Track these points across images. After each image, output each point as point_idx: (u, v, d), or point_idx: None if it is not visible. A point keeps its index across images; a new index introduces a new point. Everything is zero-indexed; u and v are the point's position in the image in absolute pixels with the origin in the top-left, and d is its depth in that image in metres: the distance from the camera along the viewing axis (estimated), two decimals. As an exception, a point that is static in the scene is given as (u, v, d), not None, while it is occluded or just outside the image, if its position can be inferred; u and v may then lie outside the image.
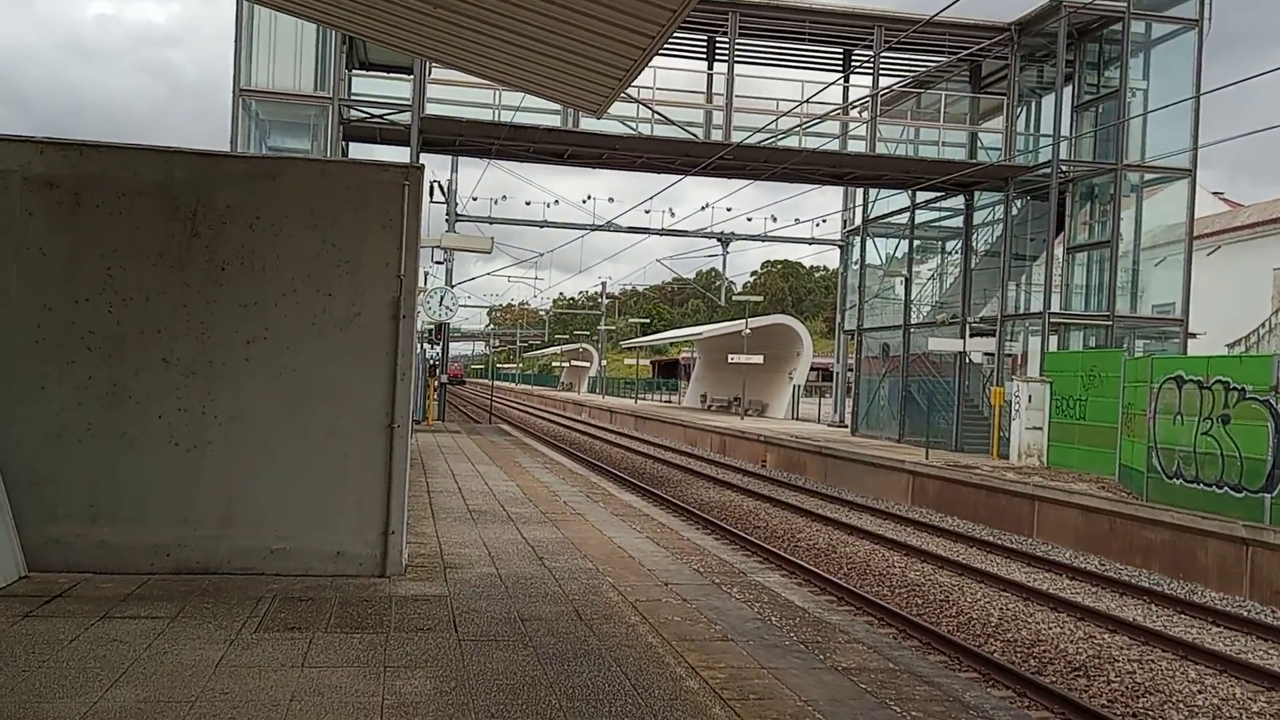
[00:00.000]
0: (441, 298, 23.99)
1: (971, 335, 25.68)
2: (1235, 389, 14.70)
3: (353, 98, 21.73)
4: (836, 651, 5.94)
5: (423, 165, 7.87)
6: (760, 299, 45.49)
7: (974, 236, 26.95)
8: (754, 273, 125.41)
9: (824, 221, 37.56)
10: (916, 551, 15.15)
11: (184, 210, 7.45)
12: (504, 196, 35.14)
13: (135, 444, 7.39)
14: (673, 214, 35.05)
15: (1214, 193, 39.83)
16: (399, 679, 5.07)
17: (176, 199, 7.44)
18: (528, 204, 34.42)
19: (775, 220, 41.55)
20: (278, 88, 21.37)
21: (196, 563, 7.37)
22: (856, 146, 24.24)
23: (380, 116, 21.76)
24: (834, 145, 23.97)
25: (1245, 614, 11.79)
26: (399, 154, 22.76)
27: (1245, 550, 12.89)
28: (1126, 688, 9.00)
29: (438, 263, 28.86)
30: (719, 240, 36.52)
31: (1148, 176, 23.67)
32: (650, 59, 7.14)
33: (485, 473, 15.75)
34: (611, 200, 52.20)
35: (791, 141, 23.49)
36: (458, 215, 32.05)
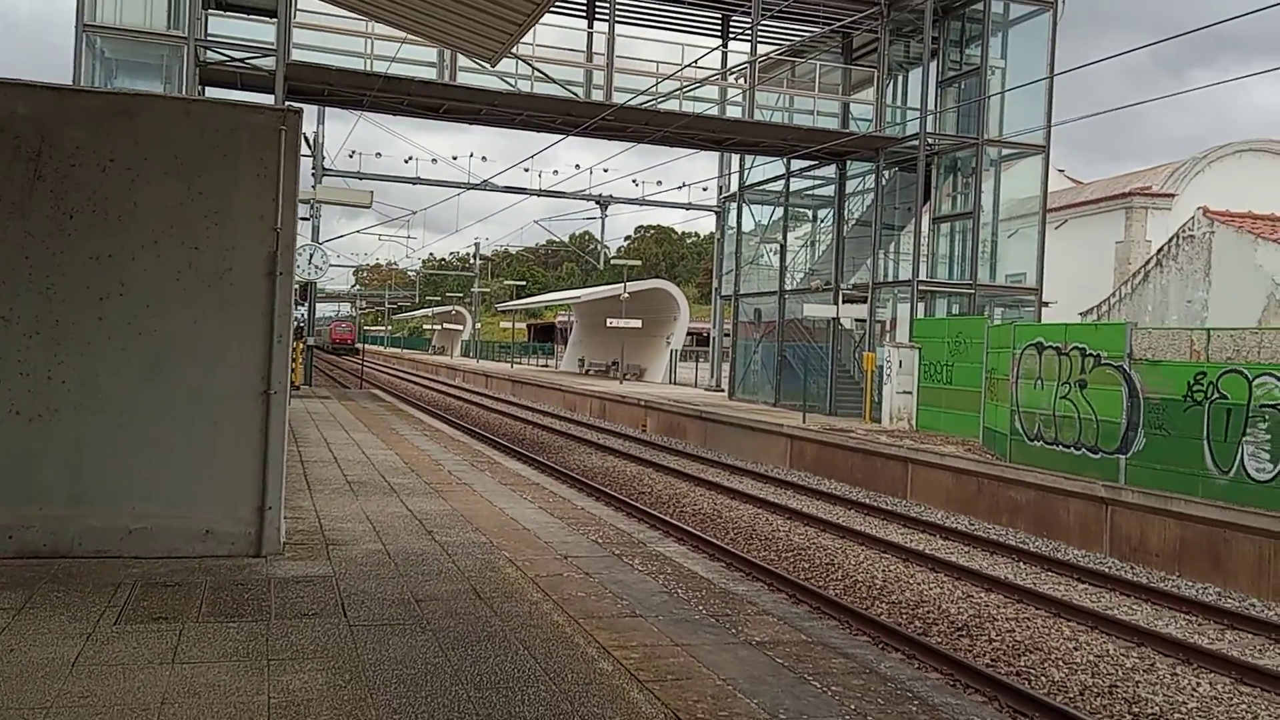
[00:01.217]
0: (311, 255, 22.75)
1: (844, 302, 26.26)
2: (1091, 355, 15.47)
3: (210, 38, 20.15)
4: (748, 625, 5.80)
5: (301, 109, 7.21)
6: (639, 263, 45.37)
7: (845, 205, 27.49)
8: (628, 238, 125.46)
9: (704, 190, 37.62)
10: (799, 515, 15.38)
11: (26, 150, 6.58)
12: (378, 154, 33.62)
13: (-33, 413, 6.54)
14: (555, 173, 34.32)
15: (1057, 169, 42.00)
16: (285, 674, 4.62)
17: (18, 137, 6.56)
18: (407, 161, 32.94)
19: (661, 184, 41.38)
20: (126, 24, 19.61)
21: (43, 545, 6.61)
22: (734, 114, 24.23)
23: (241, 60, 20.29)
24: (713, 111, 23.89)
25: (1107, 570, 12.43)
26: (262, 102, 21.28)
27: (1105, 509, 13.60)
28: (1008, 646, 9.31)
29: (304, 218, 27.38)
30: (597, 202, 36.12)
31: (1005, 151, 24.61)
32: (549, 6, 6.70)
33: (361, 441, 15.04)
34: (485, 159, 50.98)
35: (672, 105, 23.27)
36: (325, 170, 30.49)
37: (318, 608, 5.73)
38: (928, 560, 12.56)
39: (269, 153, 7.03)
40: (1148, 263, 24.26)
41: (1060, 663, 8.98)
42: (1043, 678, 8.67)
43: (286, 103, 19.90)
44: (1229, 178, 29.30)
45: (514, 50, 20.05)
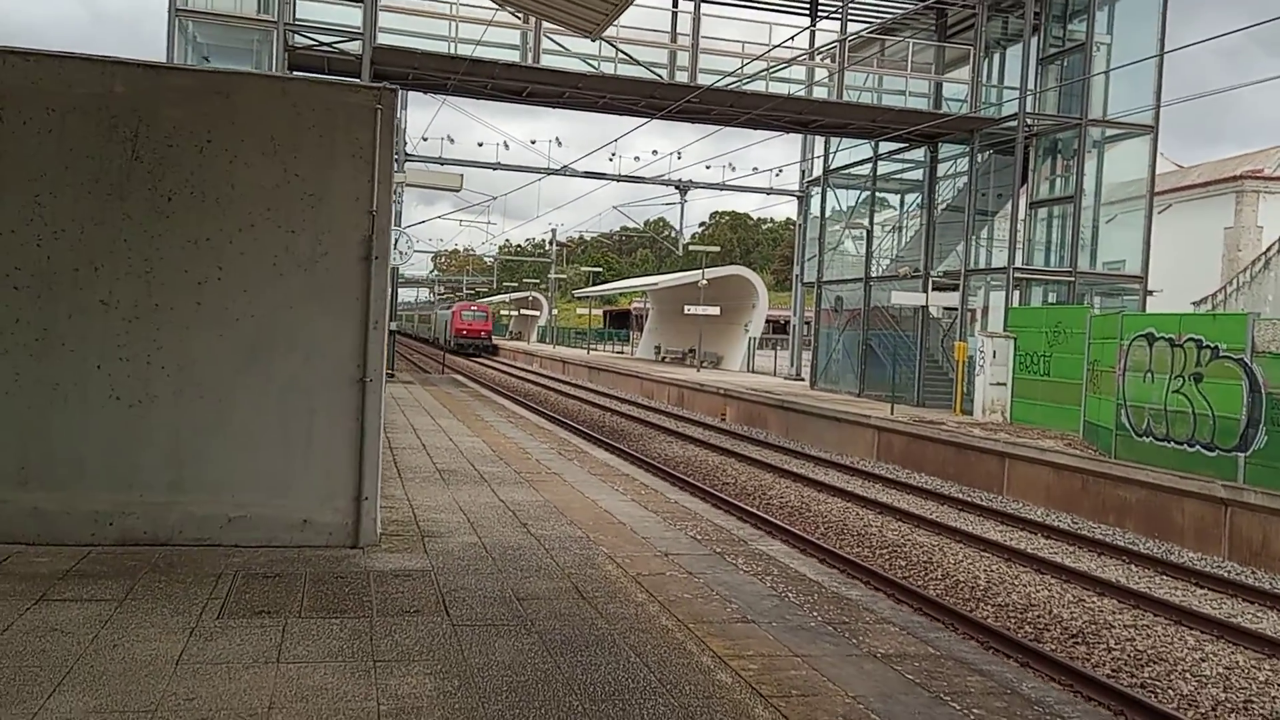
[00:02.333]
0: (395, 240, 22.85)
1: (933, 289, 25.42)
2: (1208, 347, 14.54)
3: (298, 22, 20.30)
4: (868, 634, 5.42)
5: (396, 88, 7.01)
6: (717, 249, 44.82)
7: (936, 189, 26.58)
8: (702, 224, 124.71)
9: (780, 171, 36.89)
10: (890, 509, 14.85)
11: (124, 130, 6.50)
12: (449, 138, 33.71)
13: (69, 398, 6.52)
14: (636, 159, 34.01)
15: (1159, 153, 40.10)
16: (392, 677, 4.40)
17: (115, 117, 6.48)
18: (480, 145, 32.99)
19: (734, 169, 40.79)
20: (218, 9, 19.85)
21: (144, 533, 6.57)
22: (820, 95, 23.56)
23: (328, 44, 20.39)
24: (799, 92, 23.26)
25: (1226, 575, 11.67)
26: (356, 81, 21.38)
27: (1224, 510, 12.78)
28: (1129, 656, 8.73)
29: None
30: (677, 187, 35.70)
31: (1110, 132, 23.44)
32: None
33: (448, 427, 14.98)
34: (559, 144, 50.85)
35: (757, 87, 22.71)
36: (407, 155, 30.68)
37: (419, 604, 5.53)
38: (1031, 560, 11.95)
39: (364, 133, 6.84)
40: (1269, 249, 22.84)
41: (1187, 675, 8.38)
42: (1170, 691, 8.09)
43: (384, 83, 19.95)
44: (1350, 159, 27.50)
45: (613, 25, 19.81)
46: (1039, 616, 9.87)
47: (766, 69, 22.38)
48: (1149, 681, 8.18)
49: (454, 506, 8.57)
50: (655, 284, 48.35)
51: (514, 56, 21.25)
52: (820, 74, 24.33)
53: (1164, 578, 11.66)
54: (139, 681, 4.19)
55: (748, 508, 14.25)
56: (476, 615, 5.38)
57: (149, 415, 6.61)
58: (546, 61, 21.21)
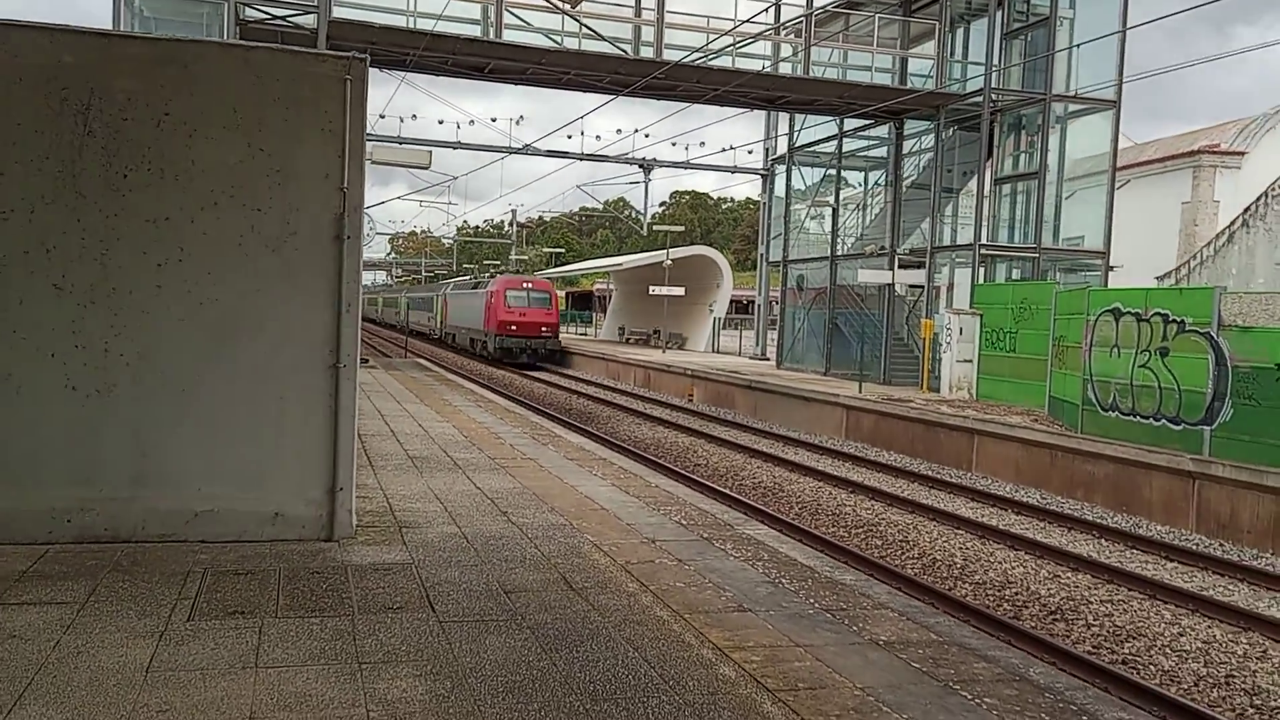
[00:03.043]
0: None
1: (899, 267, 25.45)
2: (1175, 321, 14.65)
3: (250, -4, 19.64)
4: (868, 621, 5.28)
5: (366, 57, 6.68)
6: (681, 229, 44.57)
7: (901, 166, 26.57)
8: (662, 203, 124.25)
9: (750, 153, 36.65)
10: (863, 488, 14.82)
11: (75, 103, 6.11)
12: (414, 116, 33.05)
13: (22, 389, 6.16)
14: (598, 138, 33.59)
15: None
16: (380, 680, 4.17)
17: (66, 89, 6.09)
18: (440, 123, 32.36)
19: (702, 146, 40.41)
20: (165, -20, 19.16)
21: (105, 530, 6.24)
22: (785, 71, 23.35)
23: (282, 18, 19.76)
24: (766, 68, 23.04)
25: (1195, 548, 11.78)
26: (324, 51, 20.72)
27: (1192, 484, 12.90)
28: (1108, 631, 8.74)
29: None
30: (641, 166, 35.33)
31: (1073, 108, 23.53)
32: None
33: (416, 413, 14.66)
34: (517, 122, 50.20)
35: (724, 62, 22.45)
36: (367, 135, 29.99)
37: (402, 600, 5.30)
38: (1005, 537, 11.97)
39: (333, 105, 6.52)
40: (1233, 223, 23.12)
41: (1167, 650, 8.40)
42: (1151, 666, 8.11)
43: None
44: (1304, 135, 27.96)
45: (553, 2, 19.38)
46: (1017, 593, 9.86)
47: (733, 44, 22.12)
48: (1130, 657, 8.19)
49: (430, 495, 8.32)
50: (620, 265, 48.01)
51: (475, 31, 20.78)
52: (786, 50, 24.12)
53: (1135, 551, 11.74)
54: (107, 692, 3.91)
55: (728, 491, 14.12)
56: (463, 610, 5.16)
57: (108, 405, 6.27)
58: (509, 37, 20.75)
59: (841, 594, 5.81)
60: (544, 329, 37.65)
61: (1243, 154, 28.57)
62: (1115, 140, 23.21)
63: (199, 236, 6.36)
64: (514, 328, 37.03)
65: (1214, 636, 8.72)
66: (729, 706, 4.04)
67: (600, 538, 6.90)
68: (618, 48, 21.57)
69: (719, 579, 5.97)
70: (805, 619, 5.26)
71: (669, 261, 36.58)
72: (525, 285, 39.03)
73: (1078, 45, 22.50)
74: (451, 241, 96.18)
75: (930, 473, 16.53)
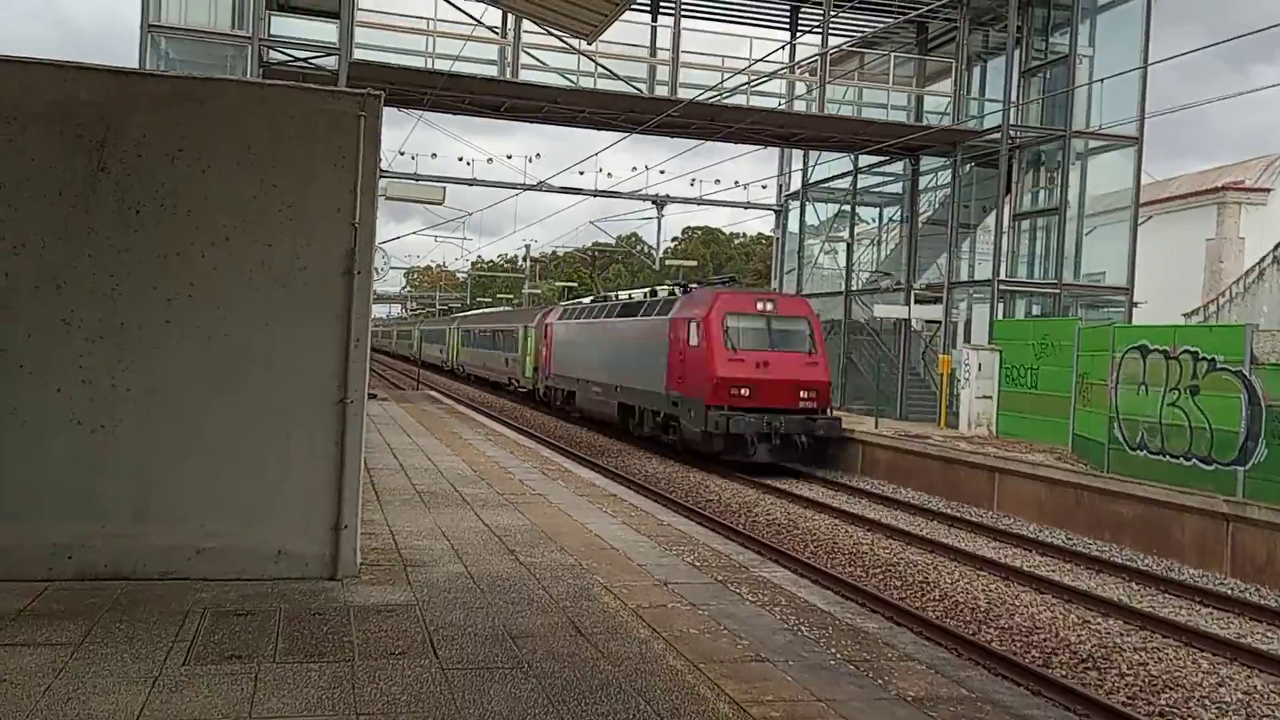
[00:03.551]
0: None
1: (915, 302, 25.28)
2: (1205, 359, 14.35)
3: (273, 38, 19.85)
4: (894, 674, 5.06)
5: (381, 93, 6.63)
6: (694, 263, 44.61)
7: (917, 202, 26.51)
8: (674, 238, 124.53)
9: (764, 188, 36.69)
10: (879, 526, 14.54)
11: (90, 139, 6.08)
12: (433, 154, 33.33)
13: (28, 423, 6.07)
14: (609, 175, 33.73)
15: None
16: (380, 731, 3.99)
17: (80, 125, 6.07)
18: (460, 160, 32.62)
19: (718, 183, 40.49)
20: (191, 24, 19.38)
21: (105, 566, 6.11)
22: (800, 108, 23.40)
23: (304, 60, 19.96)
24: (780, 105, 23.09)
25: (1230, 593, 11.42)
26: (338, 88, 20.94)
27: (1226, 526, 12.56)
28: (1143, 682, 8.42)
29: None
30: (654, 202, 35.42)
31: (1094, 144, 23.42)
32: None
33: (425, 446, 14.53)
34: (531, 159, 50.64)
35: (738, 100, 22.51)
36: (382, 171, 30.24)
37: (404, 645, 5.12)
38: (1029, 579, 11.66)
39: (347, 141, 6.46)
40: (1263, 260, 22.82)
41: (1206, 701, 8.08)
42: (1190, 719, 7.79)
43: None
44: (1328, 171, 27.71)
45: (570, 45, 19.47)
46: (1045, 639, 9.54)
47: (747, 83, 22.18)
48: (1167, 709, 7.88)
49: (436, 532, 8.15)
50: (632, 298, 47.95)
51: (492, 71, 20.93)
52: (800, 88, 24.17)
53: (1167, 596, 11.39)
54: (96, 744, 3.75)
55: (742, 530, 13.85)
56: (467, 657, 4.97)
57: (113, 441, 6.17)
58: (525, 76, 20.90)
59: (864, 643, 5.58)
60: (808, 393, 19.90)
61: (1269, 190, 28.33)
62: (1138, 176, 23.07)
63: (209, 271, 6.29)
64: (745, 393, 19.45)
65: (1255, 687, 8.38)
66: (745, 765, 3.84)
67: (610, 579, 6.71)
68: (633, 86, 21.68)
69: (734, 625, 5.76)
70: (827, 671, 5.04)
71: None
72: (762, 305, 20.50)
73: (1099, 80, 22.44)
74: (466, 275, 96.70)
75: (950, 511, 16.22)
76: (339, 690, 4.43)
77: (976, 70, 25.35)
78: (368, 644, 5.10)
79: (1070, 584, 11.41)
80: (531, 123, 24.21)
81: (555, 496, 10.42)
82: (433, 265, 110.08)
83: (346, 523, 6.45)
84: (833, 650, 5.38)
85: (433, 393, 32.86)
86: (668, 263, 43.60)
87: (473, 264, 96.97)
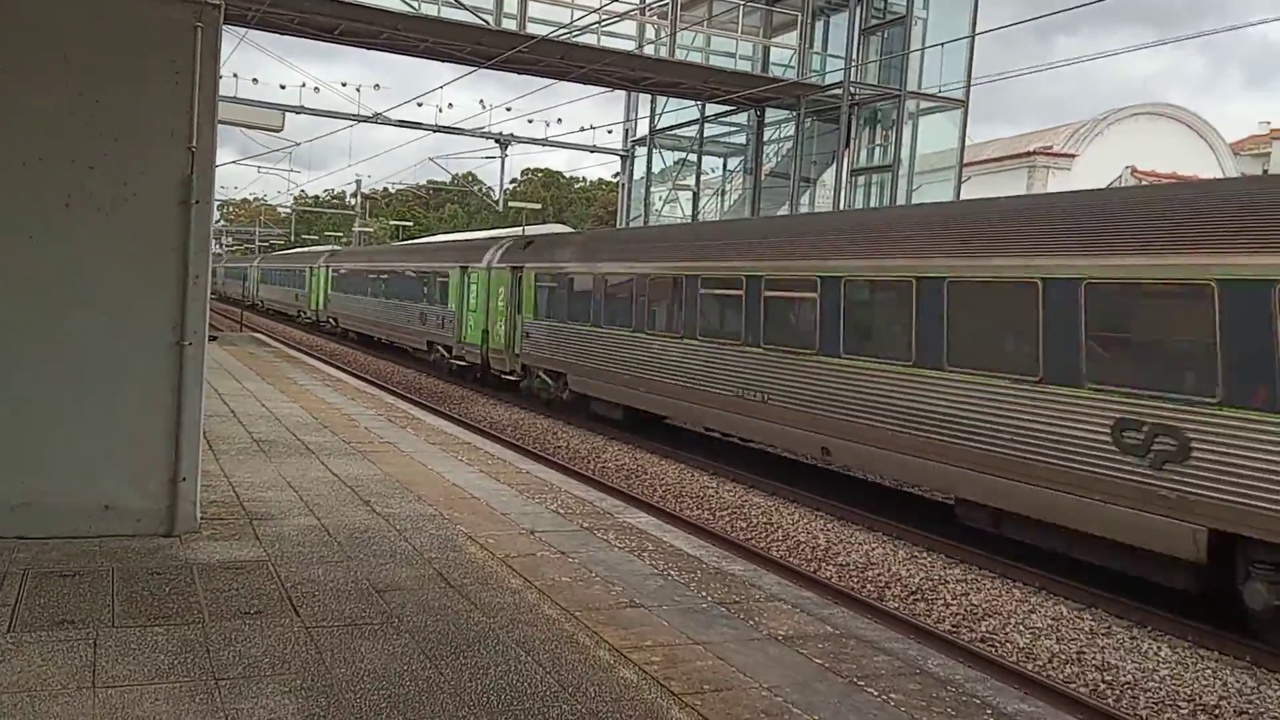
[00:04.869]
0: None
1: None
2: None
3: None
4: (763, 615, 5.16)
5: (220, 3, 6.00)
6: (538, 206, 43.94)
7: (762, 154, 26.99)
8: (514, 180, 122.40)
9: (609, 131, 36.45)
10: (723, 472, 14.89)
11: None
12: (254, 79, 31.12)
13: None
14: (450, 106, 32.52)
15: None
16: (243, 699, 3.70)
17: None
18: (283, 87, 30.54)
19: (560, 123, 39.87)
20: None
21: (-100, 527, 5.40)
22: (649, 53, 23.24)
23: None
24: (631, 49, 22.85)
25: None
26: None
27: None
28: (966, 610, 9.02)
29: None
30: (498, 141, 34.53)
31: (925, 105, 24.48)
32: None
33: (258, 391, 13.71)
34: (360, 90, 48.28)
35: (589, 40, 22.09)
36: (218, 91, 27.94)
37: (260, 603, 4.79)
38: (862, 519, 12.26)
39: (183, 56, 5.83)
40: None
41: (1021, 626, 8.74)
42: (1007, 644, 8.42)
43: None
44: (1126, 140, 30.12)
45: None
46: (879, 575, 10.08)
47: (599, 22, 21.78)
48: (988, 635, 8.48)
49: (281, 483, 7.69)
50: (474, 240, 46.90)
51: (328, -10, 19.60)
52: (650, 33, 23.96)
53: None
54: (-93, 730, 3.30)
55: (597, 478, 13.84)
56: (332, 613, 4.71)
57: (-97, 386, 5.42)
58: (364, -1, 19.71)
59: (732, 586, 5.67)
60: None
61: (1073, 156, 30.52)
62: (963, 138, 24.29)
63: (16, 195, 5.56)
64: None
65: (1061, 613, 9.13)
66: (635, 714, 3.81)
67: (475, 529, 6.53)
68: (479, 18, 20.85)
69: (606, 572, 5.72)
70: (700, 614, 5.08)
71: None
72: None
73: (929, 47, 23.39)
74: (289, 211, 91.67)
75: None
76: (190, 654, 4.08)
77: (821, 25, 25.89)
78: (218, 604, 4.74)
79: (899, 524, 12.07)
80: (369, 49, 22.92)
81: (406, 445, 10.06)
82: (249, 198, 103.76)
83: (185, 475, 5.95)
84: (704, 594, 5.44)
85: (260, 335, 31.15)
86: (513, 205, 42.76)
87: (296, 198, 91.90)
